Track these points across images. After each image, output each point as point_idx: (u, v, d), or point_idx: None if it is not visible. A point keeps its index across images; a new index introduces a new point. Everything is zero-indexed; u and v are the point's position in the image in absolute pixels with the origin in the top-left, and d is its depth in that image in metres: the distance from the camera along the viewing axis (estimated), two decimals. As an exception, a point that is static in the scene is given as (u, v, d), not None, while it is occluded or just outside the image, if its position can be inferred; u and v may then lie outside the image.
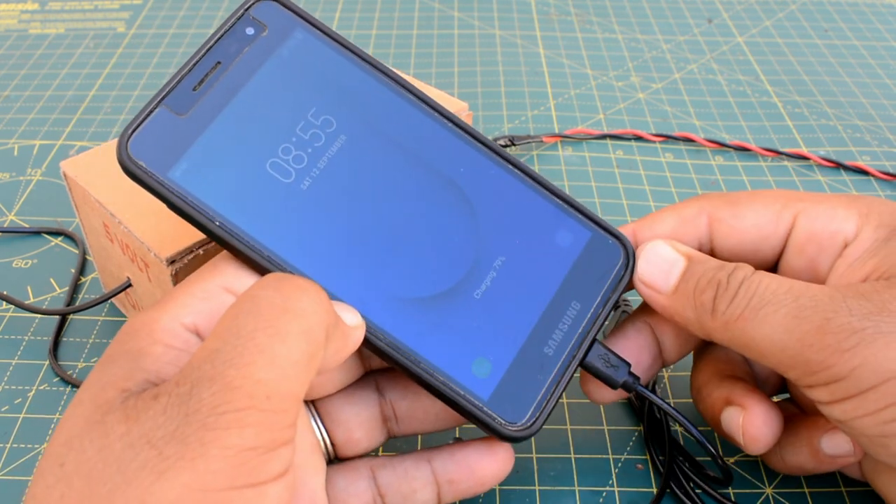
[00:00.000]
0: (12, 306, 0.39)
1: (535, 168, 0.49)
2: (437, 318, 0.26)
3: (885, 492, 0.28)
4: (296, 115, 0.26)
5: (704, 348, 0.31)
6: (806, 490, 0.31)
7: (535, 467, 0.32)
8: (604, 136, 0.51)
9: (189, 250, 0.29)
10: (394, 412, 0.28)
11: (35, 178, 0.48)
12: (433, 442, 0.32)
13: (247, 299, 0.21)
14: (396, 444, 0.33)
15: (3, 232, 0.43)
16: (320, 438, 0.27)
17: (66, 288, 0.40)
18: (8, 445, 0.33)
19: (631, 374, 0.27)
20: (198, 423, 0.18)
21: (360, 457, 0.28)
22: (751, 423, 0.27)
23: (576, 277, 0.28)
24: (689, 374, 0.35)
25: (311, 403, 0.28)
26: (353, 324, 0.24)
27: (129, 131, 0.24)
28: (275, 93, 0.26)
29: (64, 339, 0.38)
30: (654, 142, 0.51)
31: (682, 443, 0.32)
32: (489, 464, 0.26)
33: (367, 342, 0.25)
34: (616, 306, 0.29)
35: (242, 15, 0.26)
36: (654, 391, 0.34)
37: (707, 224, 0.28)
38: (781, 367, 0.24)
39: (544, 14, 0.67)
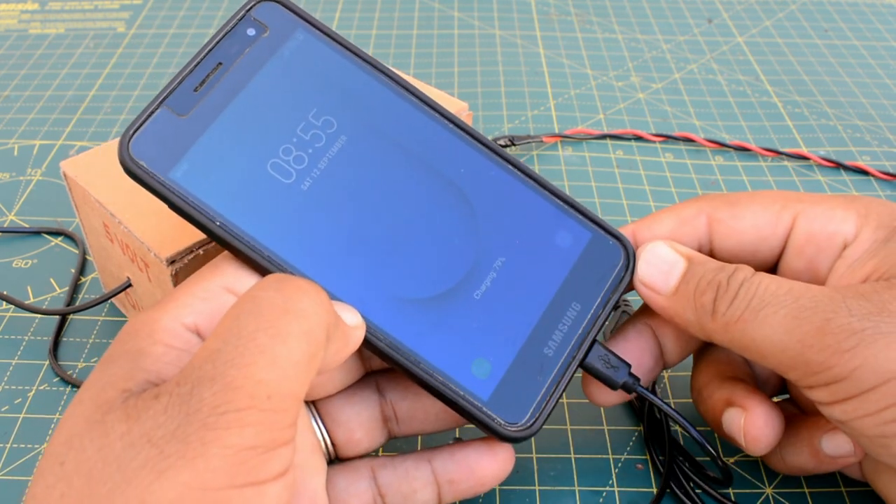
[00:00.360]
0: (12, 306, 0.39)
1: (535, 168, 0.49)
2: (437, 318, 0.26)
3: (886, 492, 0.28)
4: (297, 116, 0.26)
5: (704, 350, 0.31)
6: (806, 490, 0.31)
7: (535, 467, 0.32)
8: (604, 136, 0.51)
9: (189, 250, 0.29)
10: (394, 412, 0.28)
11: (35, 178, 0.48)
12: (433, 442, 0.32)
13: (248, 300, 0.21)
14: (397, 445, 0.33)
15: (3, 232, 0.43)
16: (321, 439, 0.27)
17: (66, 288, 0.40)
18: (8, 445, 0.33)
19: (631, 374, 0.27)
20: (198, 422, 0.18)
21: (361, 457, 0.28)
22: (752, 425, 0.27)
23: (576, 278, 0.28)
24: (689, 374, 0.35)
25: (312, 404, 0.28)
26: (353, 324, 0.24)
27: (131, 131, 0.24)
28: (276, 93, 0.26)
29: (64, 339, 0.38)
30: (654, 142, 0.51)
31: (682, 443, 0.32)
32: (489, 464, 0.26)
33: (366, 342, 0.25)
34: (616, 307, 0.29)
35: (244, 16, 0.27)
36: (653, 392, 0.34)
37: (706, 225, 0.28)
38: (782, 368, 0.24)
39: (544, 14, 0.67)
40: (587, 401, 0.33)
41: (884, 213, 0.27)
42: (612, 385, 0.27)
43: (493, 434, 0.25)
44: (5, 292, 0.39)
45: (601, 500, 0.31)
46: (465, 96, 0.56)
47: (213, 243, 0.30)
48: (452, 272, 0.27)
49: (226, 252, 0.25)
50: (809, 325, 0.23)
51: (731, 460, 0.32)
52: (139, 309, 0.36)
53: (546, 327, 0.27)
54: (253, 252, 0.24)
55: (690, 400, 0.34)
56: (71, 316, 0.39)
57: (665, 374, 0.36)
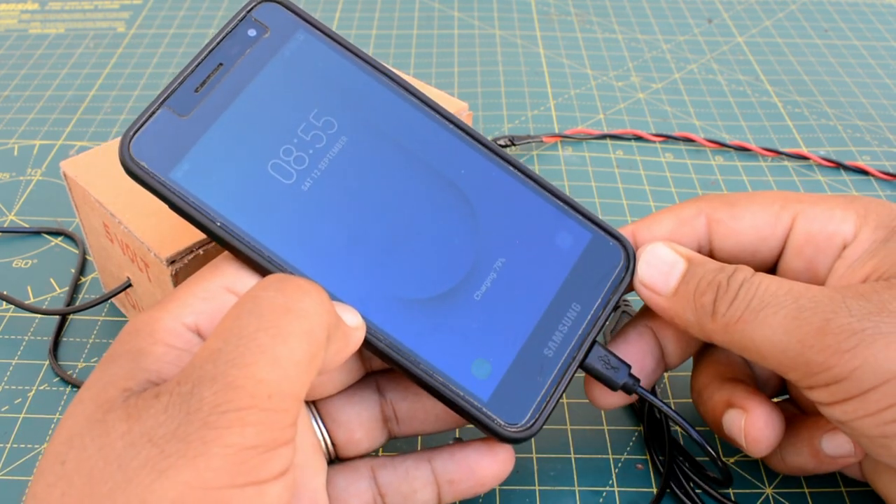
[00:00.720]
0: (12, 306, 0.39)
1: (535, 168, 0.49)
2: (437, 319, 0.26)
3: (886, 492, 0.28)
4: (297, 117, 0.26)
5: (704, 351, 0.31)
6: (806, 490, 0.31)
7: (535, 467, 0.32)
8: (604, 136, 0.51)
9: (189, 250, 0.29)
10: (394, 413, 0.28)
11: (35, 178, 0.48)
12: (433, 442, 0.32)
13: (249, 300, 0.21)
14: (397, 445, 0.33)
15: (3, 232, 0.43)
16: (321, 439, 0.27)
17: (66, 288, 0.40)
18: (8, 445, 0.33)
19: (631, 375, 0.27)
20: (199, 421, 0.18)
21: (361, 457, 0.28)
22: (752, 426, 0.27)
23: (576, 279, 0.28)
24: (689, 374, 0.35)
25: (312, 404, 0.28)
26: (353, 324, 0.24)
27: (132, 132, 0.24)
28: (276, 94, 0.26)
29: (64, 339, 0.38)
30: (654, 142, 0.51)
31: (682, 443, 0.32)
32: (489, 464, 0.26)
33: (367, 343, 0.25)
34: (616, 307, 0.29)
35: (244, 17, 0.27)
36: (654, 392, 0.34)
37: (705, 225, 0.28)
38: (782, 368, 0.24)
39: (544, 14, 0.67)
40: (587, 401, 0.33)
41: (883, 213, 0.27)
42: (612, 386, 0.27)
43: (492, 435, 0.25)
44: (5, 292, 0.39)
45: (601, 500, 0.31)
46: (465, 96, 0.56)
47: (214, 243, 0.30)
48: (452, 273, 0.27)
49: (226, 252, 0.25)
50: (809, 325, 0.23)
51: (731, 460, 0.32)
52: (139, 309, 0.36)
53: (546, 328, 0.27)
54: (253, 252, 0.24)
55: (690, 400, 0.34)
56: (71, 316, 0.39)
57: (665, 374, 0.36)
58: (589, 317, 0.27)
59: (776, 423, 0.27)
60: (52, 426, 0.34)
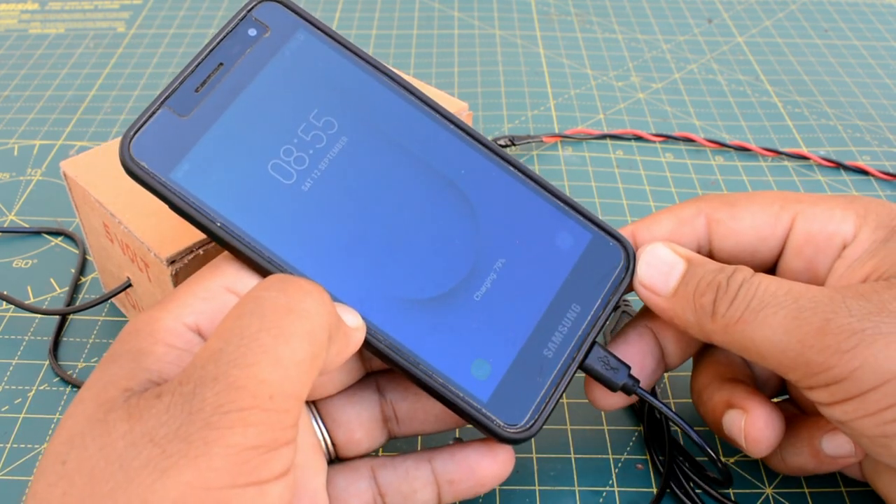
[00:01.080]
0: (12, 306, 0.39)
1: (535, 168, 0.49)
2: (437, 319, 0.26)
3: (886, 492, 0.28)
4: (298, 117, 0.26)
5: (704, 351, 0.31)
6: (806, 490, 0.31)
7: (535, 467, 0.32)
8: (604, 136, 0.51)
9: (189, 250, 0.29)
10: (394, 413, 0.28)
11: (35, 178, 0.48)
12: (433, 443, 0.32)
13: (250, 300, 0.21)
14: (397, 445, 0.33)
15: (3, 232, 0.43)
16: (321, 439, 0.27)
17: (66, 288, 0.40)
18: (8, 445, 0.33)
19: (630, 376, 0.27)
20: (201, 421, 0.18)
21: (361, 457, 0.28)
22: (753, 426, 0.27)
23: (576, 279, 0.28)
24: (690, 374, 0.35)
25: (313, 404, 0.28)
26: (353, 325, 0.24)
27: (132, 132, 0.24)
28: (277, 94, 0.26)
29: (64, 339, 0.38)
30: (654, 142, 0.51)
31: (681, 443, 0.32)
32: (489, 464, 0.26)
33: (367, 343, 0.25)
34: (616, 307, 0.29)
35: (245, 16, 0.26)
36: (654, 392, 0.34)
37: (705, 225, 0.28)
38: (782, 368, 0.24)
39: (544, 14, 0.67)
40: (587, 401, 0.33)
41: (882, 212, 0.27)
42: (611, 387, 0.27)
43: (492, 435, 0.25)
44: (5, 292, 0.39)
45: (601, 500, 0.31)
46: (465, 96, 0.56)
47: (214, 243, 0.30)
48: (452, 273, 0.27)
49: (226, 252, 0.25)
50: (809, 325, 0.23)
51: (731, 460, 0.32)
52: (139, 309, 0.36)
53: (546, 329, 0.27)
54: (253, 252, 0.24)
55: (690, 401, 0.34)
56: (71, 316, 0.39)
57: (665, 374, 0.36)
58: (589, 317, 0.27)
59: (776, 424, 0.27)
60: (52, 426, 0.34)
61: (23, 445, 0.33)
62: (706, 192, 0.47)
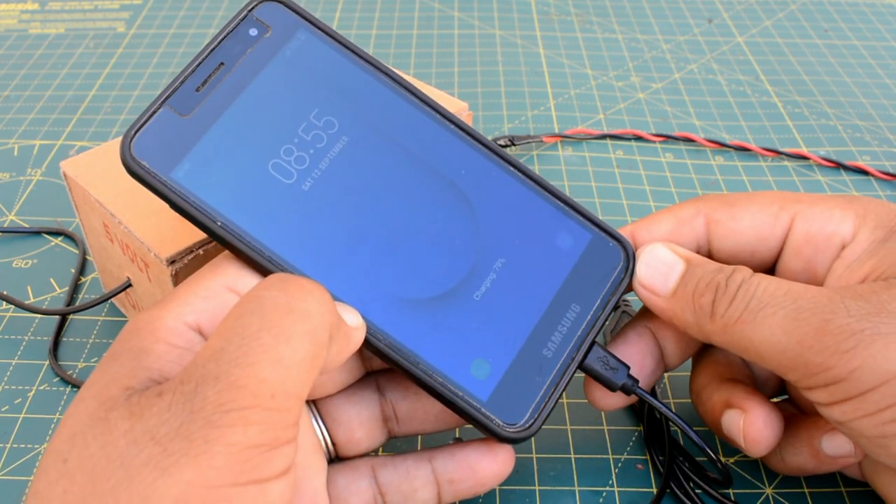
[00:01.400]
0: (12, 306, 0.39)
1: (535, 168, 0.49)
2: (437, 319, 0.26)
3: (885, 492, 0.28)
4: (298, 117, 0.26)
5: (703, 351, 0.31)
6: (806, 490, 0.31)
7: (535, 467, 0.32)
8: (604, 136, 0.52)
9: (189, 250, 0.29)
10: (394, 412, 0.28)
11: (35, 178, 0.48)
12: (433, 442, 0.32)
13: (251, 299, 0.21)
14: (396, 445, 0.33)
15: (3, 232, 0.43)
16: (321, 438, 0.27)
17: (66, 288, 0.40)
18: (8, 445, 0.33)
19: (630, 376, 0.27)
20: (202, 420, 0.19)
21: (361, 456, 0.28)
22: (751, 426, 0.27)
23: (576, 279, 0.28)
24: (689, 374, 0.35)
25: (313, 403, 0.28)
26: (354, 324, 0.24)
27: (133, 131, 0.24)
28: (277, 94, 0.26)
29: (64, 339, 0.38)
30: (654, 142, 0.51)
31: (681, 443, 0.32)
32: (490, 464, 0.26)
33: (367, 343, 0.25)
34: (616, 307, 0.29)
35: (246, 16, 0.27)
36: (653, 392, 0.34)
37: (704, 225, 0.28)
38: (781, 369, 0.24)
39: (544, 14, 0.67)
40: (587, 401, 0.33)
41: (882, 213, 0.27)
42: (610, 387, 0.27)
43: (491, 435, 0.25)
44: (5, 292, 0.39)
45: (601, 500, 0.31)
46: (465, 96, 0.56)
47: (213, 243, 0.30)
48: (452, 273, 0.27)
49: (227, 252, 0.25)
50: (808, 326, 0.23)
51: (731, 460, 0.32)
52: (139, 309, 0.36)
53: (545, 328, 0.27)
54: (254, 252, 0.24)
55: (690, 401, 0.34)
56: (71, 316, 0.39)
57: (665, 374, 0.36)
58: (588, 317, 0.27)
59: (775, 424, 0.27)
60: (52, 426, 0.34)
61: (23, 445, 0.33)
62: (706, 192, 0.47)
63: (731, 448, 0.33)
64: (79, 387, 0.35)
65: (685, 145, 0.51)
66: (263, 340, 0.20)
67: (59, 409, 0.34)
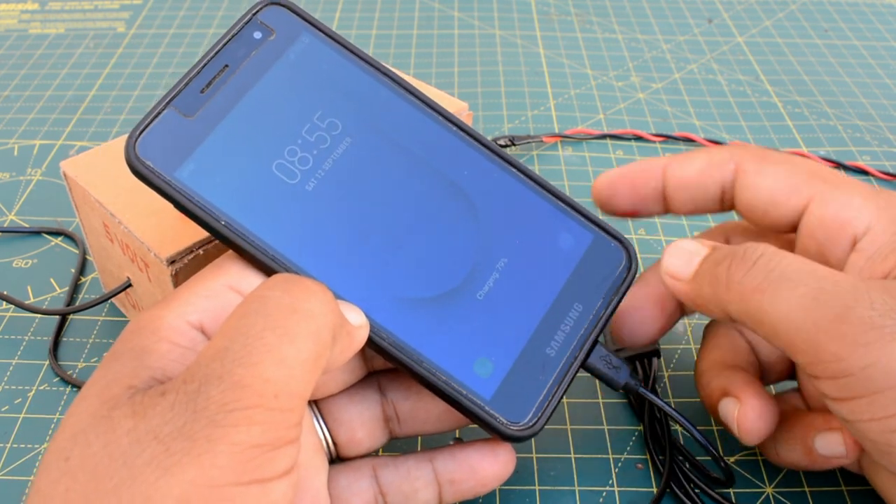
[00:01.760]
0: (12, 306, 0.39)
1: (536, 168, 0.49)
2: (440, 318, 0.26)
3: (883, 488, 0.28)
4: (302, 118, 0.26)
5: (710, 334, 0.31)
6: (807, 489, 0.31)
7: (535, 467, 0.32)
8: (604, 136, 0.52)
9: (189, 250, 0.29)
10: (396, 413, 0.28)
11: (35, 178, 0.48)
12: (434, 443, 0.32)
13: (255, 299, 0.21)
14: (397, 445, 0.33)
15: (3, 232, 0.43)
16: (322, 438, 0.27)
17: (66, 288, 0.40)
18: (8, 445, 0.33)
19: (632, 375, 0.28)
20: (206, 419, 0.19)
21: (362, 457, 0.28)
22: (745, 417, 0.27)
23: (578, 279, 0.28)
24: (689, 374, 0.35)
25: (314, 403, 0.28)
26: (357, 323, 0.24)
27: (137, 132, 0.24)
28: (281, 96, 0.26)
29: (64, 339, 0.38)
30: (654, 142, 0.51)
31: (681, 442, 0.32)
32: (491, 464, 0.27)
33: (370, 342, 0.25)
34: (617, 307, 0.29)
35: (250, 20, 0.27)
36: (654, 391, 0.34)
37: (733, 172, 0.28)
38: (792, 348, 0.24)
39: (544, 14, 0.67)
40: (587, 400, 0.33)
41: None
42: (613, 386, 0.28)
43: (495, 433, 0.25)
44: (5, 292, 0.39)
45: (601, 500, 0.31)
46: (465, 96, 0.56)
47: (214, 243, 0.30)
48: (455, 272, 0.27)
49: (230, 251, 0.25)
50: (828, 309, 0.22)
51: (732, 459, 0.32)
52: (139, 309, 0.36)
53: (548, 328, 0.27)
54: (257, 251, 0.25)
55: (691, 400, 0.35)
56: (71, 316, 0.39)
57: (665, 373, 0.36)
58: (591, 317, 0.27)
59: (769, 416, 0.27)
60: (53, 426, 0.34)
61: (23, 445, 0.33)
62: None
63: (732, 447, 0.33)
64: (79, 387, 0.35)
65: (685, 145, 0.51)
66: (267, 340, 0.20)
67: (59, 409, 0.34)
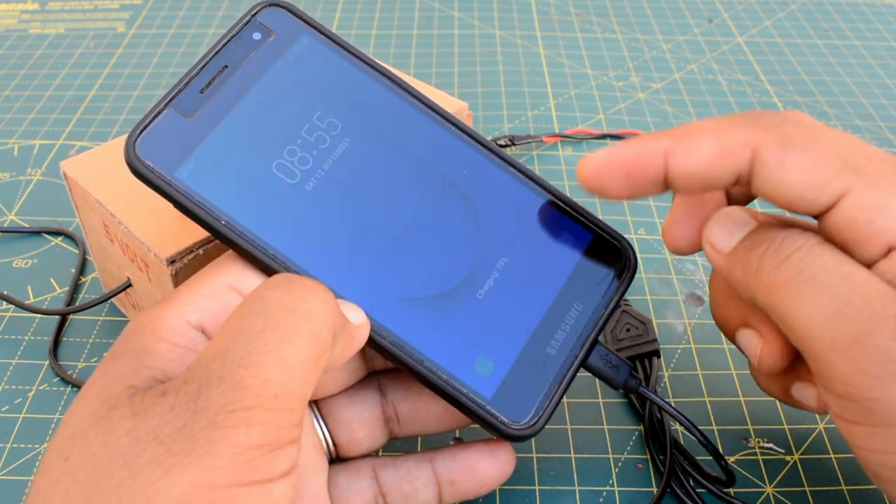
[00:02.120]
0: (12, 306, 0.39)
1: (535, 168, 0.49)
2: (441, 317, 0.26)
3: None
4: (301, 118, 0.27)
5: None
6: (807, 489, 0.31)
7: (535, 467, 0.32)
8: (604, 136, 0.52)
9: (189, 250, 0.29)
10: (396, 413, 0.28)
11: (35, 178, 0.48)
12: (434, 444, 0.32)
13: (255, 299, 0.21)
14: (397, 446, 0.33)
15: (3, 232, 0.43)
16: (322, 438, 0.27)
17: (66, 288, 0.40)
18: (8, 445, 0.33)
19: (632, 374, 0.28)
20: (206, 420, 0.19)
21: (362, 457, 0.28)
22: (768, 355, 0.26)
23: (577, 279, 0.28)
24: (689, 373, 0.35)
25: (314, 403, 0.28)
26: (357, 322, 0.24)
27: (137, 132, 0.25)
28: (281, 96, 0.26)
29: (64, 339, 0.38)
30: (654, 142, 0.51)
31: (682, 442, 0.32)
32: (490, 465, 0.27)
33: (370, 341, 0.25)
34: (616, 306, 0.29)
35: (250, 20, 0.27)
36: (654, 391, 0.34)
37: (750, 161, 0.24)
38: (806, 354, 0.23)
39: (544, 14, 0.67)
40: (587, 400, 0.33)
41: None
42: (613, 385, 0.28)
43: (496, 432, 0.25)
44: (5, 292, 0.39)
45: (601, 500, 0.31)
46: (465, 96, 0.56)
47: (213, 243, 0.30)
48: (455, 272, 0.27)
49: (230, 251, 0.25)
50: (848, 327, 0.21)
51: (732, 459, 0.32)
52: (139, 309, 0.36)
53: (548, 327, 0.27)
54: (257, 251, 0.25)
55: (691, 400, 0.35)
56: (71, 316, 0.39)
57: (665, 373, 0.36)
58: (590, 316, 0.27)
59: (789, 354, 0.26)
60: (53, 426, 0.34)
61: (23, 445, 0.33)
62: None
63: (731, 447, 0.33)
64: (79, 387, 0.35)
65: (685, 145, 0.51)
66: (267, 341, 0.20)
67: (59, 409, 0.34)
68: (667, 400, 0.35)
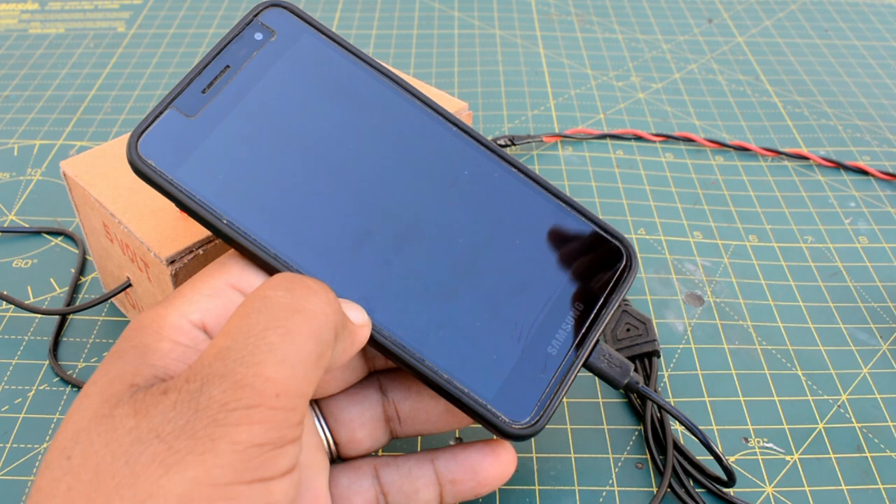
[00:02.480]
0: (12, 306, 0.39)
1: (536, 168, 0.49)
2: (442, 316, 0.26)
3: None
4: (302, 118, 0.27)
5: None
6: (807, 489, 0.31)
7: (535, 467, 0.32)
8: (604, 136, 0.52)
9: (189, 250, 0.29)
10: (397, 413, 0.28)
11: (35, 178, 0.48)
12: (435, 443, 0.32)
13: (257, 298, 0.21)
14: (397, 446, 0.33)
15: (3, 232, 0.43)
16: (324, 438, 0.27)
17: (66, 288, 0.40)
18: (8, 445, 0.33)
19: (634, 374, 0.28)
20: (208, 418, 0.19)
21: (364, 456, 0.28)
22: None
23: (578, 279, 0.28)
24: (689, 373, 0.35)
25: (315, 403, 0.28)
26: (359, 322, 0.24)
27: (139, 131, 0.25)
28: (282, 96, 0.26)
29: (64, 339, 0.38)
30: (654, 142, 0.51)
31: (682, 442, 0.32)
32: (491, 465, 0.26)
33: (372, 340, 0.25)
34: (616, 306, 0.29)
35: (251, 21, 0.27)
36: (654, 391, 0.34)
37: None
38: None
39: (544, 14, 0.67)
40: (587, 400, 0.33)
41: None
42: (615, 385, 0.28)
43: (497, 432, 0.25)
44: (5, 292, 0.39)
45: (601, 499, 0.31)
46: (465, 96, 0.56)
47: (214, 243, 0.30)
48: (456, 272, 0.27)
49: (231, 250, 0.25)
50: None
51: (732, 459, 0.32)
52: (139, 309, 0.36)
53: (549, 327, 0.27)
54: (259, 250, 0.25)
55: (691, 399, 0.35)
56: (71, 316, 0.39)
57: (665, 373, 0.36)
58: (591, 316, 0.27)
59: None
60: (52, 426, 0.34)
61: (23, 445, 0.33)
62: (706, 192, 0.46)
63: (731, 447, 0.33)
64: (79, 387, 0.35)
65: (685, 145, 0.51)
66: (269, 340, 0.20)
67: (59, 409, 0.34)
68: (667, 400, 0.35)
